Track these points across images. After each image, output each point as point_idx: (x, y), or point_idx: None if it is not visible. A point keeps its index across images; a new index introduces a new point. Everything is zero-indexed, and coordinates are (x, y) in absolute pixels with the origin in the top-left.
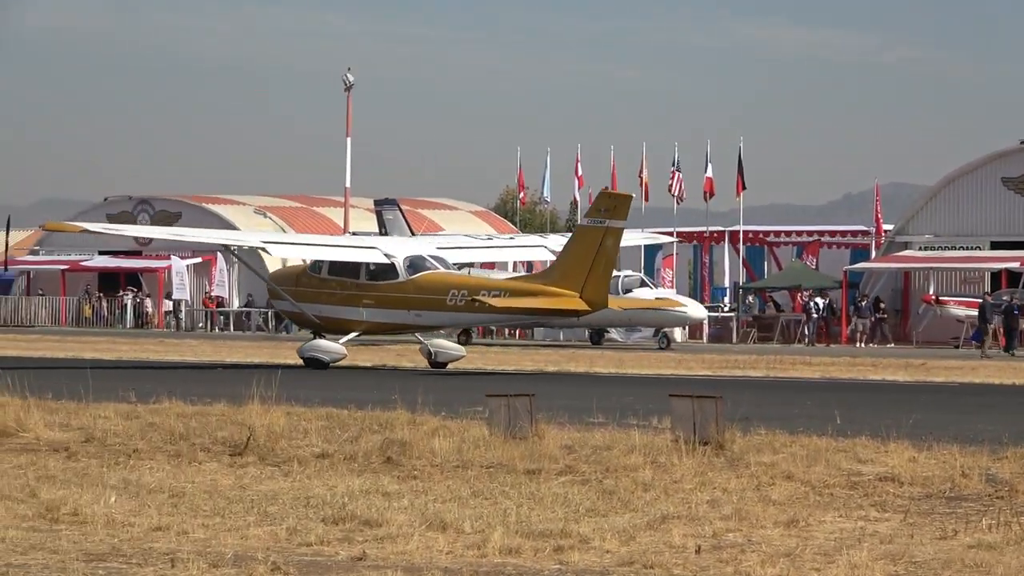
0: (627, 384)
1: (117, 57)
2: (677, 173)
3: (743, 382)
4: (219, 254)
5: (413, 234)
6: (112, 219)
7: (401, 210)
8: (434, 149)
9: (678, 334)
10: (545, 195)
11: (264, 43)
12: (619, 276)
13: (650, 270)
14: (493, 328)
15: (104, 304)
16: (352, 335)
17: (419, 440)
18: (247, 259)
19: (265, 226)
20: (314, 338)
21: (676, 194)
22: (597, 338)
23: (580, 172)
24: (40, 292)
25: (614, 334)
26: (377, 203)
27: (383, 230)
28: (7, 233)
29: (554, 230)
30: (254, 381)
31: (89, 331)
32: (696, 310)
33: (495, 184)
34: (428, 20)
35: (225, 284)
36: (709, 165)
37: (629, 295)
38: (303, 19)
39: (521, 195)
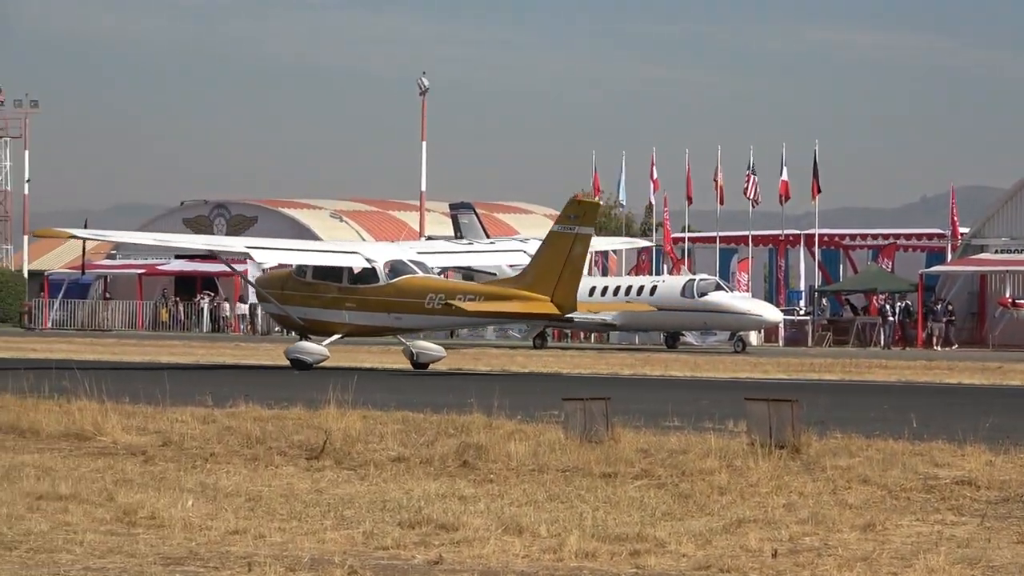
0: (703, 388)
1: (193, 62)
2: (752, 176)
3: (819, 385)
4: None
5: (488, 237)
6: (188, 223)
7: (476, 214)
8: (509, 152)
9: (754, 337)
10: (620, 198)
11: (340, 47)
12: (695, 279)
13: (725, 274)
14: (568, 332)
15: (180, 308)
16: (335, 337)
17: (495, 444)
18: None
19: (340, 230)
20: (300, 340)
21: (751, 197)
22: (672, 341)
23: (655, 175)
24: (108, 296)
25: (689, 337)
26: (452, 207)
27: (459, 234)
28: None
29: (629, 233)
30: (330, 385)
31: (166, 335)
32: (772, 313)
33: (570, 188)
34: (503, 24)
35: None
36: (784, 168)
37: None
38: (378, 24)
39: (596, 198)
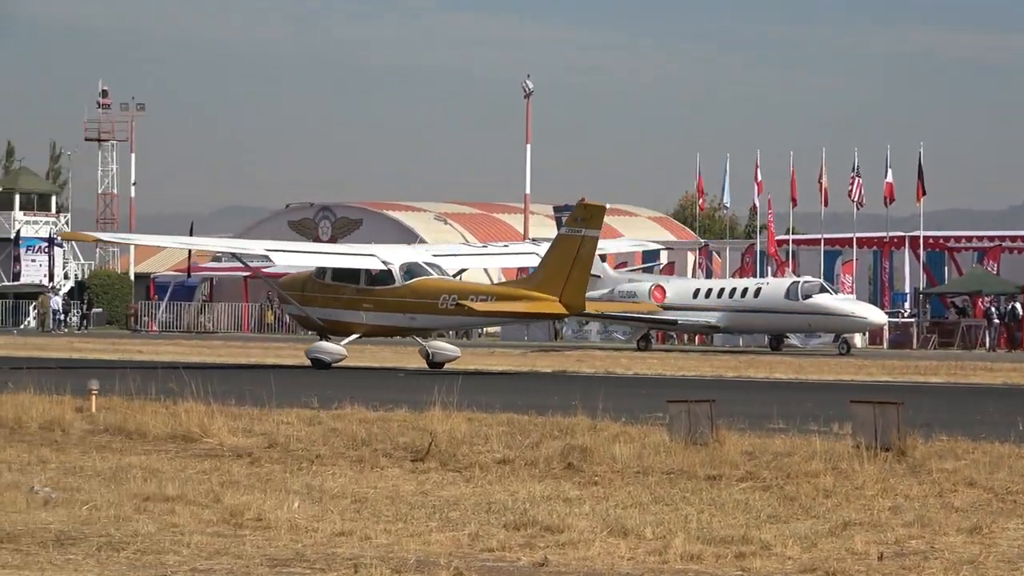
0: (807, 390)
1: (298, 64)
2: (857, 178)
3: (924, 388)
4: None
5: None
6: (293, 226)
7: None
8: (614, 155)
9: (858, 340)
10: (725, 201)
11: (444, 50)
12: (799, 281)
13: (830, 276)
14: (673, 334)
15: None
16: (353, 337)
17: (600, 446)
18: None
19: (445, 232)
20: (320, 340)
21: (856, 199)
22: (776, 344)
23: (759, 178)
24: (203, 299)
25: (793, 340)
26: (557, 209)
27: None
28: None
29: (733, 236)
30: (435, 387)
31: (271, 337)
32: (876, 315)
33: (674, 190)
34: (606, 26)
35: None
36: (889, 170)
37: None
38: (482, 26)
39: (700, 201)
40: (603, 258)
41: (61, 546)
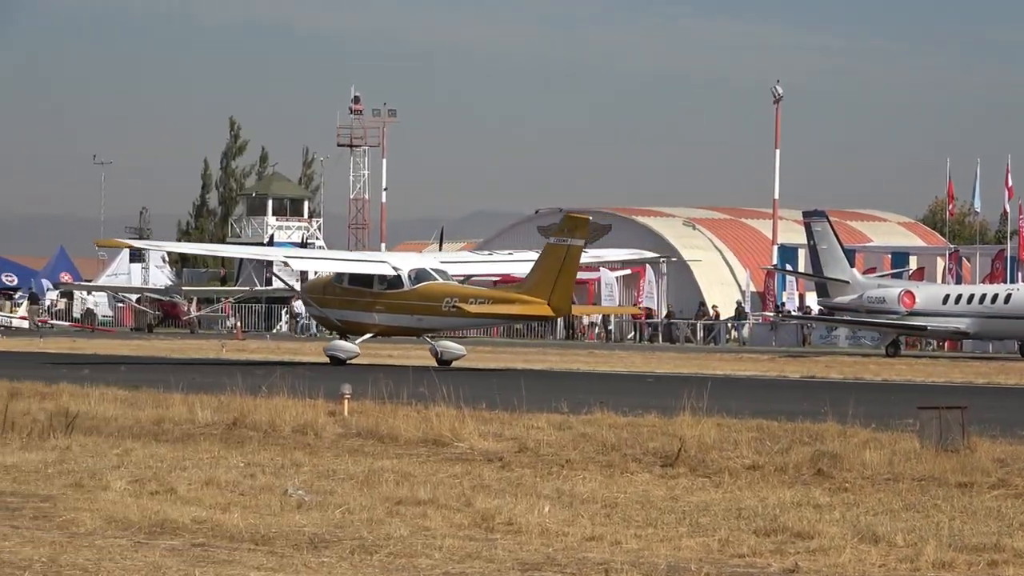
0: None
1: (547, 70)
2: None
3: None
4: (648, 266)
5: (842, 246)
6: (542, 231)
7: (830, 221)
8: (863, 159)
9: None
10: (975, 206)
11: (694, 55)
12: (1020, 288)
13: None
14: (929, 341)
15: None
16: (367, 336)
17: (849, 452)
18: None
19: (694, 238)
20: (337, 339)
21: None
22: None
23: (1010, 183)
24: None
25: None
26: (806, 215)
27: (812, 241)
28: (440, 245)
29: (983, 241)
30: (684, 392)
31: (517, 341)
32: None
33: (924, 195)
34: (855, 30)
35: (654, 296)
36: None
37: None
38: (734, 32)
39: (950, 206)
40: (852, 263)
41: (315, 548)
